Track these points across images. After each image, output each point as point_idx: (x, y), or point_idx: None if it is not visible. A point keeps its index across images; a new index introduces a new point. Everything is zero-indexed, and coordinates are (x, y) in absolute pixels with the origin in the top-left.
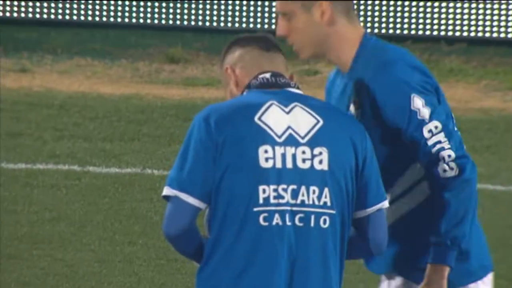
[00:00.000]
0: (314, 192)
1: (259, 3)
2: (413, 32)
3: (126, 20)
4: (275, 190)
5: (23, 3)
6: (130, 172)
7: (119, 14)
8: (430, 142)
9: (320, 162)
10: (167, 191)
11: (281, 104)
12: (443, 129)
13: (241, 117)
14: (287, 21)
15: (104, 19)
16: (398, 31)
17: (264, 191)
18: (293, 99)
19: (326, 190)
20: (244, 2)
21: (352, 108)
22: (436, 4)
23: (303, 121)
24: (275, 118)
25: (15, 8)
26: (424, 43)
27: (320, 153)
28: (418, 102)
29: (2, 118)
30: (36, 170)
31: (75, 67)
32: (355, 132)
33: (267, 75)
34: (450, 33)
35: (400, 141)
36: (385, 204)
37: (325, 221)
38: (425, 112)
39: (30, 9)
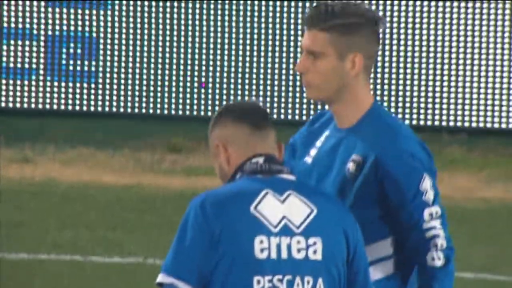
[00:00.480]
0: (308, 282)
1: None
2: (414, 122)
3: (128, 110)
4: (270, 281)
5: (25, 94)
6: (133, 261)
7: (121, 104)
8: (426, 226)
9: (314, 252)
10: (163, 278)
11: (276, 193)
12: (441, 216)
13: (237, 206)
14: (312, 59)
15: (106, 109)
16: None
17: (258, 282)
18: (287, 187)
19: (320, 280)
20: (245, 93)
21: (351, 166)
22: (438, 95)
23: (297, 210)
24: (270, 208)
25: (18, 99)
26: (427, 133)
27: (314, 243)
28: (427, 183)
29: (4, 208)
30: (38, 260)
31: (77, 157)
32: (348, 223)
33: (261, 160)
34: (451, 124)
35: (389, 212)
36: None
37: None
38: (431, 195)
39: (33, 99)
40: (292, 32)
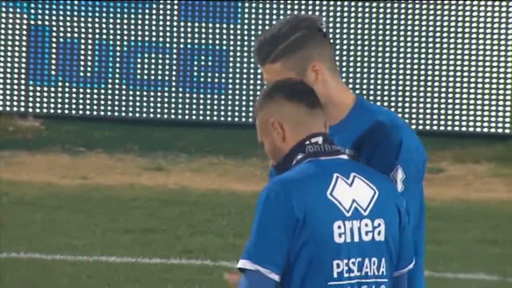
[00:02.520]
0: (374, 263)
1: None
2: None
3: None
4: (346, 264)
5: (159, 104)
6: None
7: (250, 114)
8: None
9: (379, 233)
10: (247, 265)
11: (344, 177)
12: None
13: (316, 192)
14: None
15: (236, 119)
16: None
17: (338, 265)
18: (350, 169)
19: (383, 260)
20: None
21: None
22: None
23: (363, 193)
24: (342, 192)
25: (151, 110)
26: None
27: (379, 225)
28: (398, 176)
29: (137, 215)
30: (170, 265)
31: (207, 165)
32: (398, 198)
33: (320, 141)
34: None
35: None
36: (412, 264)
37: None
38: (398, 188)
39: (166, 110)
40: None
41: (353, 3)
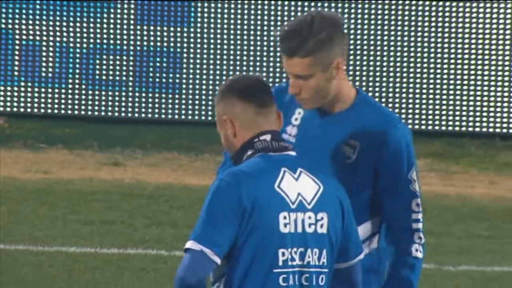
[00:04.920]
0: (315, 253)
1: None
2: (470, 129)
3: (210, 118)
4: (290, 253)
5: (116, 103)
6: None
7: (203, 112)
8: (413, 217)
9: (321, 226)
10: (193, 245)
11: (291, 171)
12: (421, 209)
13: (264, 184)
14: (302, 81)
15: (189, 117)
16: (457, 128)
17: (283, 254)
18: (297, 165)
19: (324, 251)
20: None
21: (347, 150)
22: (492, 104)
23: (308, 187)
24: (289, 185)
25: (109, 108)
26: (481, 139)
27: (322, 218)
28: (415, 173)
29: (97, 207)
30: (127, 254)
31: (163, 161)
32: (342, 193)
33: (268, 138)
34: (504, 130)
35: (379, 195)
36: (362, 254)
37: (322, 279)
38: (417, 186)
39: (123, 109)
40: None
41: (319, 4)
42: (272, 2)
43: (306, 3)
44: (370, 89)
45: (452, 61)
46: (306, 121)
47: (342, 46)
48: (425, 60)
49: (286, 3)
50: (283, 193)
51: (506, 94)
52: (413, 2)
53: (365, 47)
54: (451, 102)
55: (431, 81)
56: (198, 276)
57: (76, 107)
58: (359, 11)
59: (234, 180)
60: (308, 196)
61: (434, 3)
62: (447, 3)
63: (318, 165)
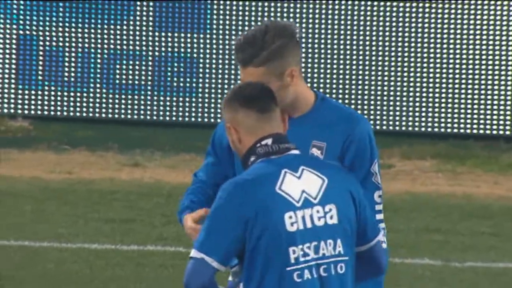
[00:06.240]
0: (330, 244)
1: None
2: (475, 131)
3: None
4: (302, 249)
5: (136, 107)
6: None
7: (219, 115)
8: (377, 208)
9: (331, 217)
10: (195, 254)
11: (292, 171)
12: (382, 201)
13: (265, 189)
14: None
15: (206, 120)
16: (462, 130)
17: (293, 251)
18: (299, 163)
19: (338, 240)
20: None
21: (314, 151)
22: (496, 107)
23: (312, 183)
24: (291, 185)
25: (129, 111)
26: (485, 141)
27: (330, 210)
28: (376, 166)
29: (117, 206)
30: (146, 251)
31: (180, 162)
32: (351, 183)
33: (269, 142)
34: (508, 132)
35: None
36: (381, 235)
37: (341, 267)
38: (379, 178)
39: (143, 112)
40: None
41: (285, 4)
42: (285, 5)
43: (320, 5)
44: (379, 92)
45: (457, 66)
46: None
47: (295, 55)
48: (431, 64)
49: (304, 6)
50: (285, 194)
51: (509, 98)
52: (427, 4)
53: (367, 48)
54: (456, 106)
55: (437, 85)
56: (200, 283)
57: (98, 110)
58: (362, 11)
59: (236, 189)
60: (313, 191)
61: (446, 5)
62: (459, 4)
63: (323, 160)
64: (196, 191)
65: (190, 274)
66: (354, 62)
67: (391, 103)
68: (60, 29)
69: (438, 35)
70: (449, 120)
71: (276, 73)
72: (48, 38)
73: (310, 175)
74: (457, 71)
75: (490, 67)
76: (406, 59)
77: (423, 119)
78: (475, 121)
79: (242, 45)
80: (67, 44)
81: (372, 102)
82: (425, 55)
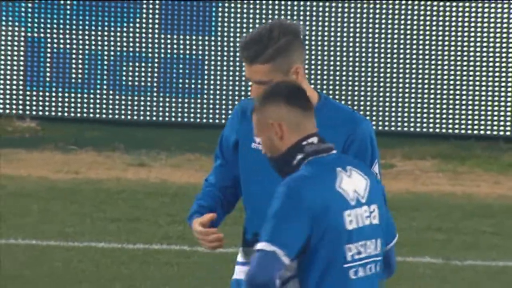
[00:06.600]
0: (373, 243)
1: None
2: (476, 132)
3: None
4: (356, 247)
5: (142, 107)
6: (233, 251)
7: (223, 116)
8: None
9: (374, 217)
10: (266, 246)
11: (344, 170)
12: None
13: (327, 187)
14: (263, 86)
15: (211, 120)
16: (463, 131)
17: (350, 249)
18: (345, 163)
19: (379, 240)
20: None
21: None
22: (496, 108)
23: (359, 183)
24: (346, 184)
25: (135, 112)
26: (486, 141)
27: (374, 210)
28: (377, 168)
29: (123, 206)
30: (152, 250)
31: (186, 162)
32: (379, 183)
33: (315, 140)
34: (508, 133)
35: None
36: (396, 238)
37: (379, 266)
38: (380, 179)
39: (148, 112)
40: None
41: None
42: (289, 7)
43: (326, 4)
44: (381, 93)
45: (458, 67)
46: None
47: (300, 53)
48: (433, 65)
49: (308, 8)
50: (344, 192)
51: (510, 98)
52: (428, 3)
53: (369, 49)
54: (457, 107)
55: (439, 86)
56: (268, 276)
57: (104, 111)
58: (364, 12)
59: (301, 184)
60: (361, 191)
61: (454, 4)
62: (467, 4)
63: (356, 159)
64: (205, 196)
65: (259, 266)
66: (357, 63)
67: (393, 104)
68: (68, 31)
69: (440, 36)
70: (450, 120)
71: (282, 70)
72: (55, 40)
73: (357, 175)
74: (458, 72)
75: (490, 68)
76: (408, 60)
77: (425, 119)
78: (475, 121)
79: (248, 43)
80: (74, 45)
81: (374, 103)
82: (427, 56)
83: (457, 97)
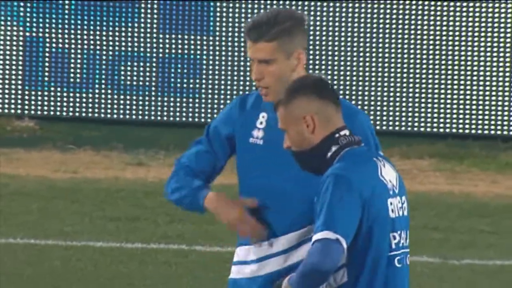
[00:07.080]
0: (405, 234)
1: None
2: (473, 131)
3: None
4: (399, 236)
5: (140, 107)
6: (231, 250)
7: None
8: None
9: (404, 209)
10: (328, 234)
11: (379, 161)
12: None
13: (371, 176)
14: (265, 66)
15: (209, 120)
16: (461, 130)
17: (394, 237)
18: (375, 154)
19: (407, 232)
20: None
21: None
22: (494, 107)
23: (391, 174)
24: (385, 173)
25: (134, 111)
26: (483, 140)
27: (404, 202)
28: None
29: (122, 205)
30: (150, 249)
31: None
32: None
33: (347, 133)
34: (505, 132)
35: None
36: None
37: (408, 258)
38: None
39: (147, 112)
40: None
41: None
42: (287, 7)
43: (325, 4)
44: (378, 92)
45: (456, 67)
46: (272, 122)
47: (303, 40)
48: (430, 64)
49: (306, 8)
50: (385, 180)
51: (507, 98)
52: (426, 2)
53: (367, 48)
54: (454, 106)
55: (436, 85)
56: (333, 263)
57: (103, 110)
58: (362, 11)
59: (348, 172)
60: (394, 182)
61: (451, 3)
62: (465, 4)
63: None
64: (185, 172)
65: (325, 254)
66: (354, 63)
67: (391, 103)
68: (66, 30)
69: (437, 36)
70: (447, 120)
71: (285, 51)
72: (54, 40)
73: (389, 167)
74: (455, 71)
75: (488, 68)
76: (405, 59)
77: (422, 119)
78: (473, 121)
79: (255, 22)
80: (72, 45)
81: (372, 103)
82: (424, 55)
83: (455, 96)
